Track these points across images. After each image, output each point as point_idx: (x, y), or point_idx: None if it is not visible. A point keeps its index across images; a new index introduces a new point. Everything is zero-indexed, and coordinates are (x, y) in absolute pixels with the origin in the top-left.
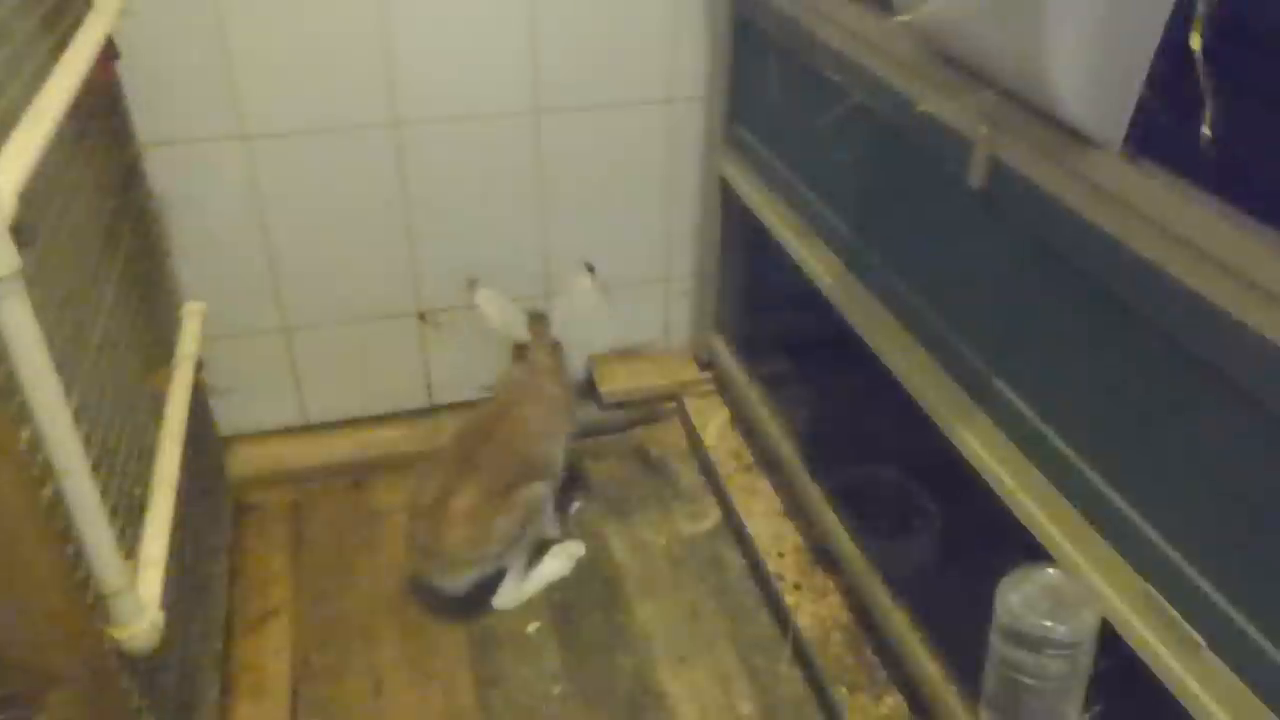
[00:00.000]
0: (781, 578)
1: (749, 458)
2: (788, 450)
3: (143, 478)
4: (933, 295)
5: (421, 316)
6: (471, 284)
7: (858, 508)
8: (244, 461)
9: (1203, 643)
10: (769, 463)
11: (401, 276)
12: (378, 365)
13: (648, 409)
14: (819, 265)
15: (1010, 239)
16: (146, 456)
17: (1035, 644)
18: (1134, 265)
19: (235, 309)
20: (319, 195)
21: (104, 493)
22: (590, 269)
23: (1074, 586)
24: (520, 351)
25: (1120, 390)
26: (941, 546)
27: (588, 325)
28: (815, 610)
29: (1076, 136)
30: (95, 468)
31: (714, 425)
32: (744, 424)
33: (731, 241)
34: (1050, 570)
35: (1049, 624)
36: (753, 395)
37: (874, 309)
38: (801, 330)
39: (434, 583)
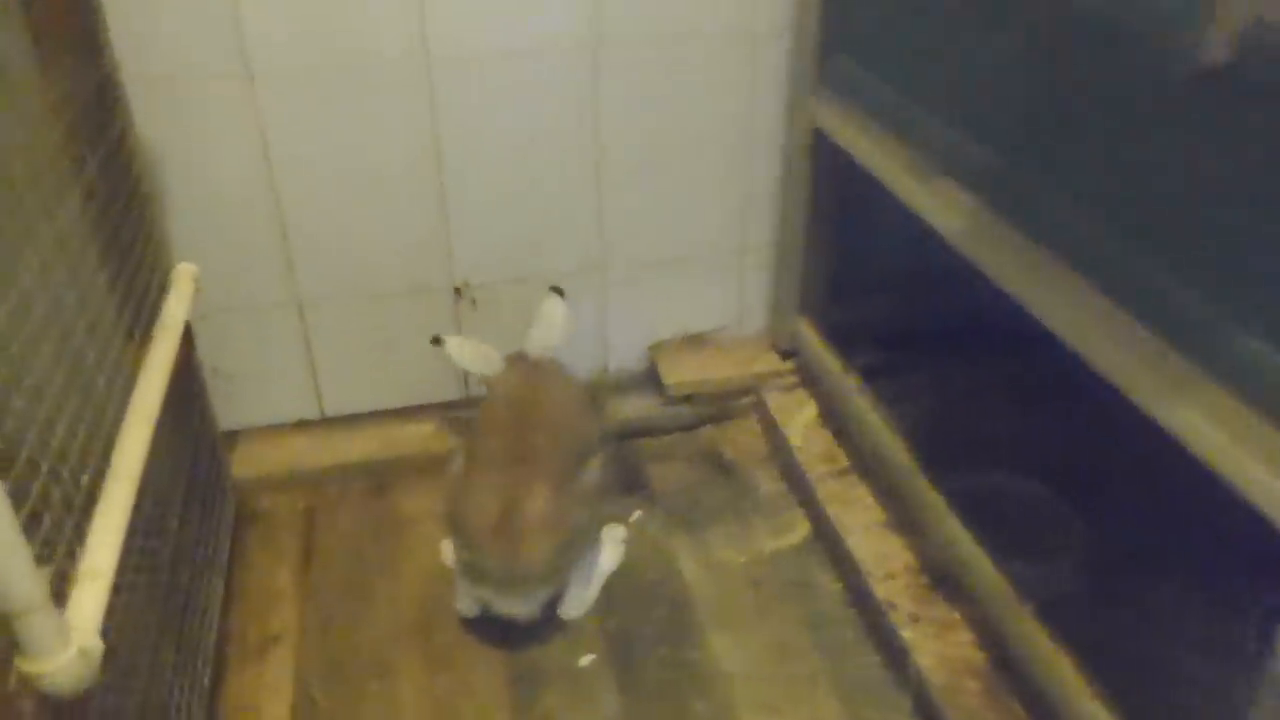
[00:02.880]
0: (894, 606)
1: (844, 460)
2: (896, 451)
3: (103, 471)
4: (1127, 224)
5: (457, 291)
6: (436, 341)
7: (980, 524)
8: (249, 460)
9: None
10: (870, 467)
11: (434, 244)
12: (406, 349)
13: (719, 404)
14: (948, 212)
15: (1267, 127)
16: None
17: None
18: None
19: (239, 280)
20: (336, 145)
21: (22, 483)
22: (559, 292)
23: None
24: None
25: None
26: (1090, 574)
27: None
28: (940, 649)
29: None
30: (9, 447)
31: (800, 423)
32: (837, 421)
33: (823, 205)
34: None
35: None
36: (849, 387)
37: (1030, 255)
38: (907, 313)
39: (510, 612)
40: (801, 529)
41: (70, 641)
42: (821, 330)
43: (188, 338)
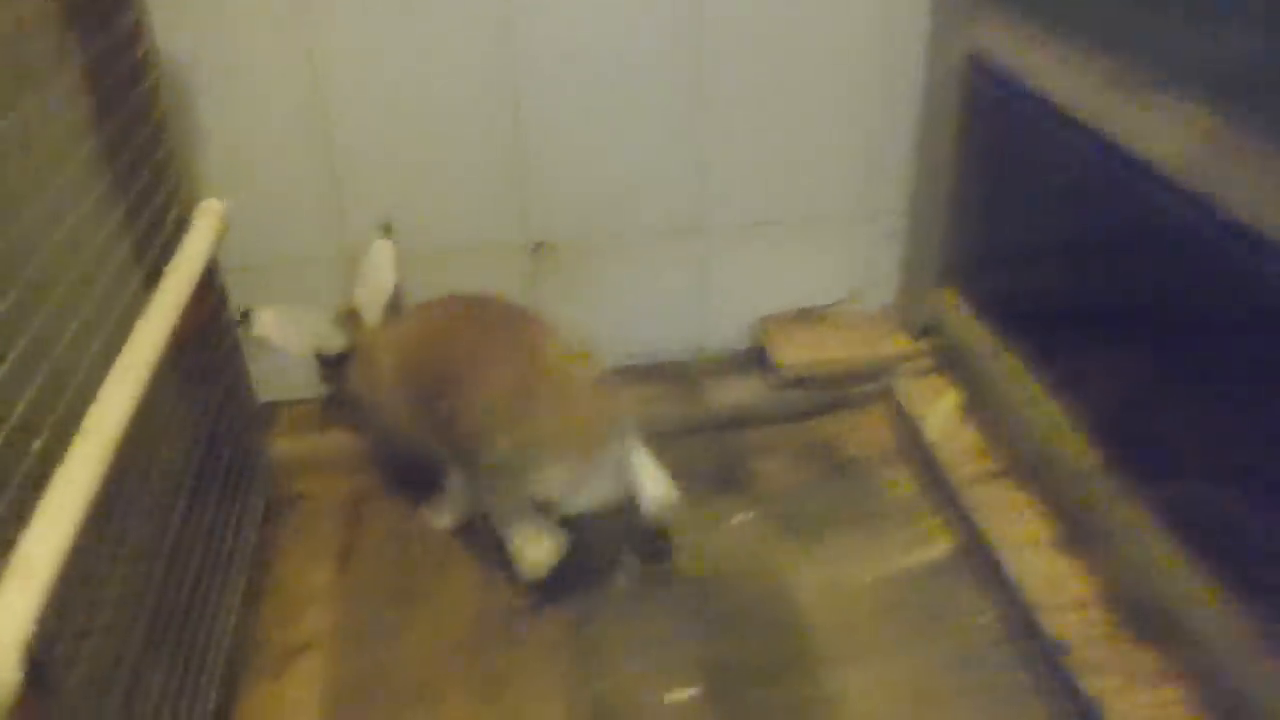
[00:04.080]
0: (1070, 648)
1: (996, 461)
2: (1073, 449)
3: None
4: None
5: (535, 249)
6: (245, 315)
7: (1196, 544)
8: (289, 437)
9: None
10: (1034, 468)
11: (508, 193)
12: None
13: (837, 391)
14: (1170, 133)
15: None
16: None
17: None
18: None
19: (283, 228)
20: (398, 73)
21: None
22: (387, 231)
23: None
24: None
25: None
26: None
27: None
28: (1136, 708)
29: None
30: None
31: (939, 413)
32: (988, 412)
33: (976, 147)
34: None
35: None
36: (1006, 369)
37: None
38: (1083, 281)
39: (590, 500)
40: (942, 542)
41: None
42: (969, 303)
43: (213, 286)
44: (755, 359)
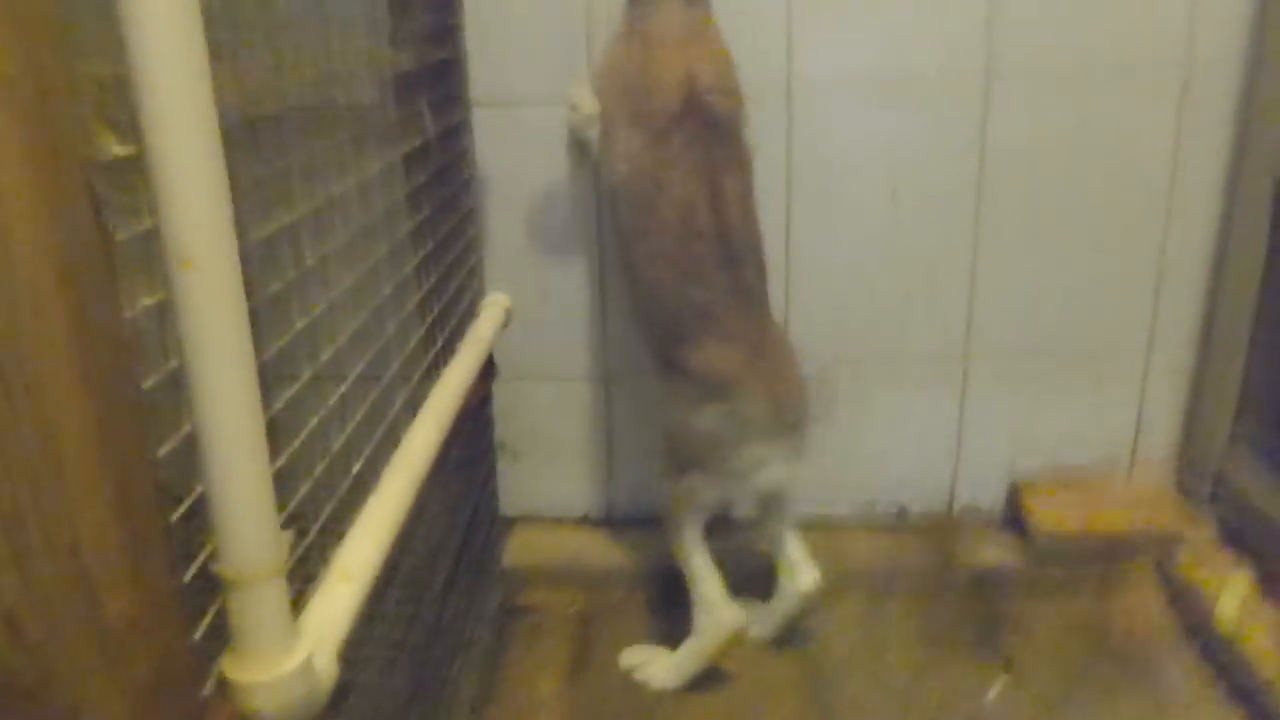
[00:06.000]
0: None
1: None
2: None
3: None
4: None
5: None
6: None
7: None
8: (523, 549)
9: None
10: None
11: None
12: None
13: (1105, 564)
14: None
15: None
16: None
17: None
18: None
19: (542, 340)
20: None
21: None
22: None
23: None
24: None
25: None
26: None
27: None
28: None
29: None
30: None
31: (1232, 594)
32: None
33: None
34: None
35: None
36: None
37: None
38: None
39: (781, 476)
40: None
41: (298, 646)
42: (1270, 464)
43: (487, 375)
44: (1010, 521)
